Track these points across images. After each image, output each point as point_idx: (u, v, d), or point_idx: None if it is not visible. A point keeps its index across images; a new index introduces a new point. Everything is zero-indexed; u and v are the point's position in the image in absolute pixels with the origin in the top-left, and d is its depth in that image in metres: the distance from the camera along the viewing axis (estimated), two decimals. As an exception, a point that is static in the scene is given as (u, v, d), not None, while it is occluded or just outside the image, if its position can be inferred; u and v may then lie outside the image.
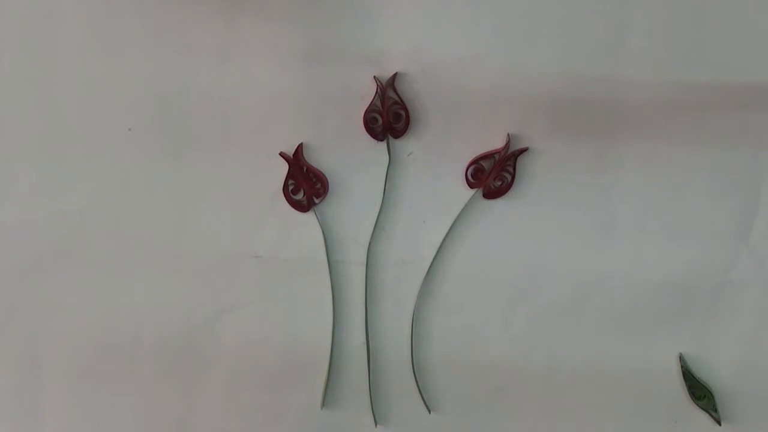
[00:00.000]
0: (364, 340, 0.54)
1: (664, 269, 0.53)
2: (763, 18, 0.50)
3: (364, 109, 0.52)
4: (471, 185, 0.52)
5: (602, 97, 0.51)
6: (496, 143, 0.52)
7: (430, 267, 0.53)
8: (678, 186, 0.52)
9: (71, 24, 0.52)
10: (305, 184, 0.53)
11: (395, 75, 0.51)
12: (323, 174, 0.53)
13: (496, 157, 0.52)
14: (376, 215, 0.53)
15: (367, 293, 0.54)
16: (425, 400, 0.54)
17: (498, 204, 0.53)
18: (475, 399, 0.54)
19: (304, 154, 0.53)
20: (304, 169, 0.53)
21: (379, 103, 0.52)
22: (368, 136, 0.52)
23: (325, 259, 0.53)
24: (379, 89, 0.51)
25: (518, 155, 0.52)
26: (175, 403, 0.55)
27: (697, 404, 0.53)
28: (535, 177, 0.52)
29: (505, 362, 0.54)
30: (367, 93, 0.52)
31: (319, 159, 0.53)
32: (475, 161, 0.52)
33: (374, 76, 0.51)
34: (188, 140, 0.53)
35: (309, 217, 0.53)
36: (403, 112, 0.52)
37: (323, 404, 0.54)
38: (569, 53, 0.51)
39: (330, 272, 0.53)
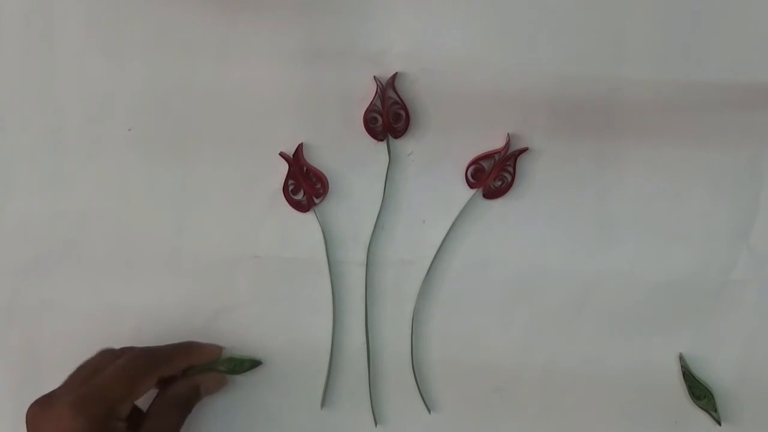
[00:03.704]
0: (364, 341, 0.54)
1: (664, 269, 0.53)
2: (763, 18, 0.50)
3: (364, 109, 0.52)
4: (471, 185, 0.52)
5: (602, 97, 0.51)
6: (496, 143, 0.52)
7: (430, 267, 0.53)
8: (678, 186, 0.52)
9: (71, 24, 0.52)
10: (305, 184, 0.53)
11: (395, 75, 0.51)
12: (323, 174, 0.53)
13: (496, 157, 0.52)
14: (376, 215, 0.53)
15: (367, 293, 0.54)
16: (425, 400, 0.54)
17: (498, 204, 0.53)
18: (475, 399, 0.54)
19: (304, 154, 0.53)
20: (304, 169, 0.53)
21: (379, 103, 0.52)
22: (368, 136, 0.52)
23: (325, 259, 0.53)
24: (379, 89, 0.51)
25: (518, 155, 0.52)
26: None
27: (697, 404, 0.53)
28: (535, 177, 0.52)
29: (505, 362, 0.54)
30: (367, 93, 0.52)
31: (319, 159, 0.53)
32: (475, 161, 0.52)
33: (374, 76, 0.51)
34: (188, 140, 0.53)
35: (309, 217, 0.53)
36: (403, 112, 0.52)
37: (323, 404, 0.54)
38: (569, 53, 0.51)
39: (330, 272, 0.53)
